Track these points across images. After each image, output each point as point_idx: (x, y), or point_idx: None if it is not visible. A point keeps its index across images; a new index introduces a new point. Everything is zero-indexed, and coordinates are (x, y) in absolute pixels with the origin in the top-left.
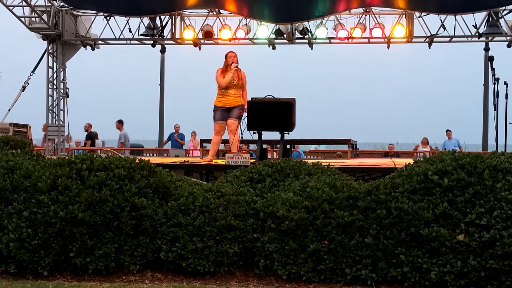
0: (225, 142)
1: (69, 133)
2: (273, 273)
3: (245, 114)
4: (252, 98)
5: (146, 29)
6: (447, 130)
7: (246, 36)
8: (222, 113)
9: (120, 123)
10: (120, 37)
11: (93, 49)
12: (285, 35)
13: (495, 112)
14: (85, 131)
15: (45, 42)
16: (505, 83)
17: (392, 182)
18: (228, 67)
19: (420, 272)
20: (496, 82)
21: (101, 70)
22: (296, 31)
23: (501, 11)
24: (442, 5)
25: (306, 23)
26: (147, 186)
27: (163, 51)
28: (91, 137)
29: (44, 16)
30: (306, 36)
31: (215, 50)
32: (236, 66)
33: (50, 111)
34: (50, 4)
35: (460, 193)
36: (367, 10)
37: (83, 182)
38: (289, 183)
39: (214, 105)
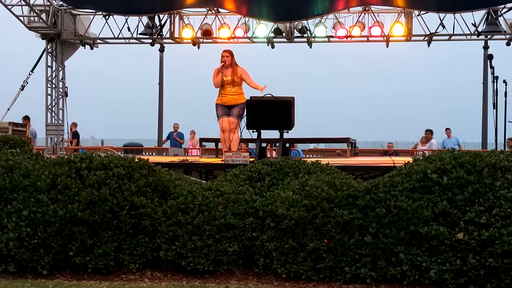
0: None
1: None
2: (273, 272)
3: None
4: (251, 97)
5: (145, 28)
6: (447, 129)
7: (245, 35)
8: (223, 110)
9: (26, 119)
10: (119, 36)
11: (92, 48)
12: (284, 34)
13: (494, 110)
14: (69, 129)
15: (44, 41)
16: (504, 81)
17: (391, 181)
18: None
19: (420, 270)
20: (495, 80)
21: (100, 70)
22: (295, 29)
23: (500, 10)
24: (441, 4)
25: (305, 22)
26: (147, 185)
27: (162, 50)
28: (78, 135)
29: (43, 15)
30: (305, 35)
31: (214, 49)
32: (223, 65)
33: (49, 110)
34: (49, 3)
35: (460, 191)
36: (366, 9)
37: (83, 181)
38: (288, 182)
39: (215, 104)
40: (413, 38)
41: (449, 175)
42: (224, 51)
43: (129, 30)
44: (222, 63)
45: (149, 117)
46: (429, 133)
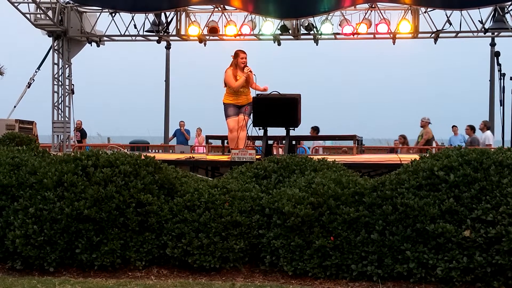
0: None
1: None
2: (279, 269)
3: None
4: (257, 94)
5: (151, 25)
6: (453, 126)
7: (251, 32)
8: (235, 109)
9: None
10: (126, 34)
11: (98, 46)
12: (290, 31)
13: (501, 107)
14: (78, 128)
15: (51, 38)
16: (511, 78)
17: (398, 178)
18: (238, 68)
19: (426, 268)
20: (502, 77)
21: (106, 67)
22: (301, 27)
23: (507, 6)
24: (448, 1)
25: (311, 19)
26: (153, 182)
27: (168, 47)
28: (85, 134)
29: (49, 13)
30: (312, 32)
31: (220, 46)
32: (250, 71)
33: (56, 108)
34: (55, 0)
35: (466, 189)
36: (373, 6)
37: (89, 179)
38: (295, 179)
39: (226, 103)
40: (419, 35)
41: (455, 173)
42: (242, 52)
43: (135, 27)
44: (250, 69)
45: (156, 114)
46: (312, 130)
